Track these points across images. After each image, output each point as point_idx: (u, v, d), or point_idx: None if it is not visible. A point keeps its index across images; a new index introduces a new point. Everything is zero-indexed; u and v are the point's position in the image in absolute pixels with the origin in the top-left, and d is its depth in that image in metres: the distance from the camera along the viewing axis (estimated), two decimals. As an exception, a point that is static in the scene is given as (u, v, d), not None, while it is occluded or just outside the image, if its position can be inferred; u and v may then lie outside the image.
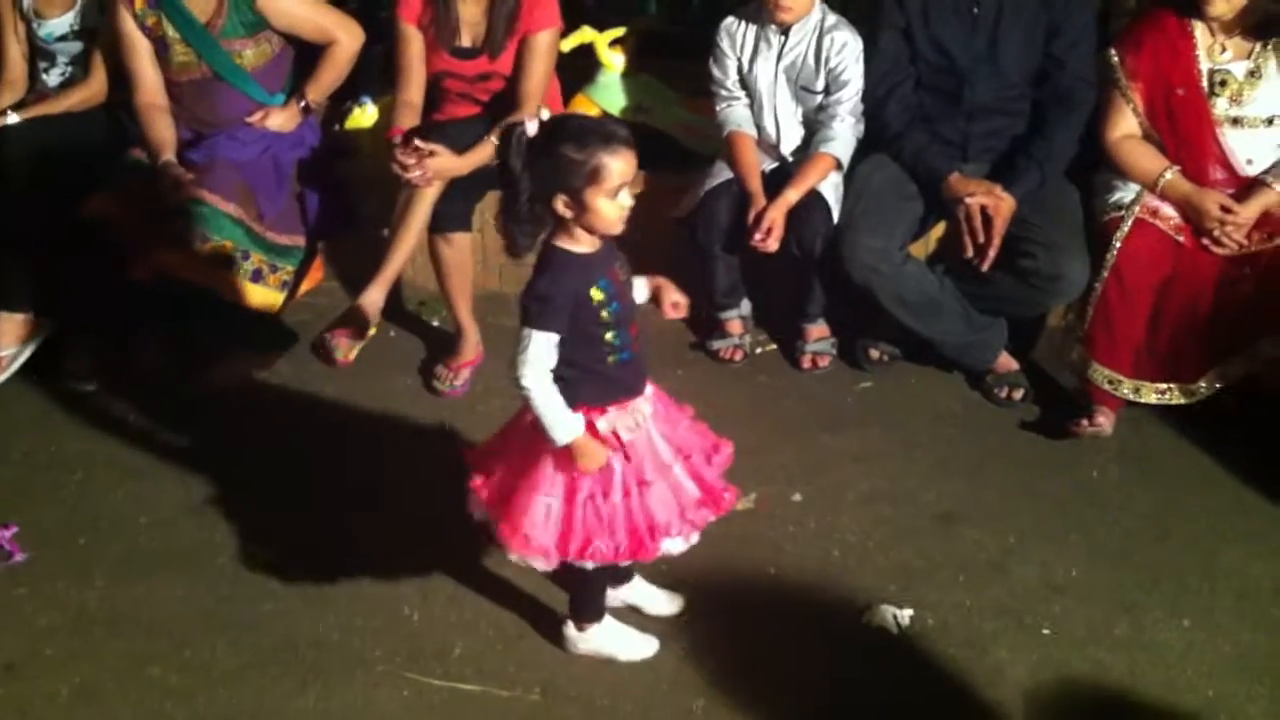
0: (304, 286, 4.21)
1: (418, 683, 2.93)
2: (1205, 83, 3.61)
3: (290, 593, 3.22)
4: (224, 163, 3.97)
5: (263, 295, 3.98)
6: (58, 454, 3.79)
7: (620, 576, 3.01)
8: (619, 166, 2.44)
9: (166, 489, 3.61)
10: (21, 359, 4.15)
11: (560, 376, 2.55)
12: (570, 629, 2.95)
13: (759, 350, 4.19)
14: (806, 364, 4.08)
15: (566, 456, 2.59)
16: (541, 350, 2.50)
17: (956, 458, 3.65)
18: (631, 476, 2.64)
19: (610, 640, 2.95)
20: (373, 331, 3.89)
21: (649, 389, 2.72)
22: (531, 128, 2.44)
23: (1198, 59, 3.62)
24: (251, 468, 3.68)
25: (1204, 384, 3.57)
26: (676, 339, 4.21)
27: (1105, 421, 3.64)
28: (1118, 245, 3.58)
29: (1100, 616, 3.06)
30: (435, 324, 4.39)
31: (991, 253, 3.66)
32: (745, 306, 4.22)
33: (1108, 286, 3.58)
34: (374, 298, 3.85)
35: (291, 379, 4.10)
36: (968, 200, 3.69)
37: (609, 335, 2.56)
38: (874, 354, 4.06)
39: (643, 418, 2.66)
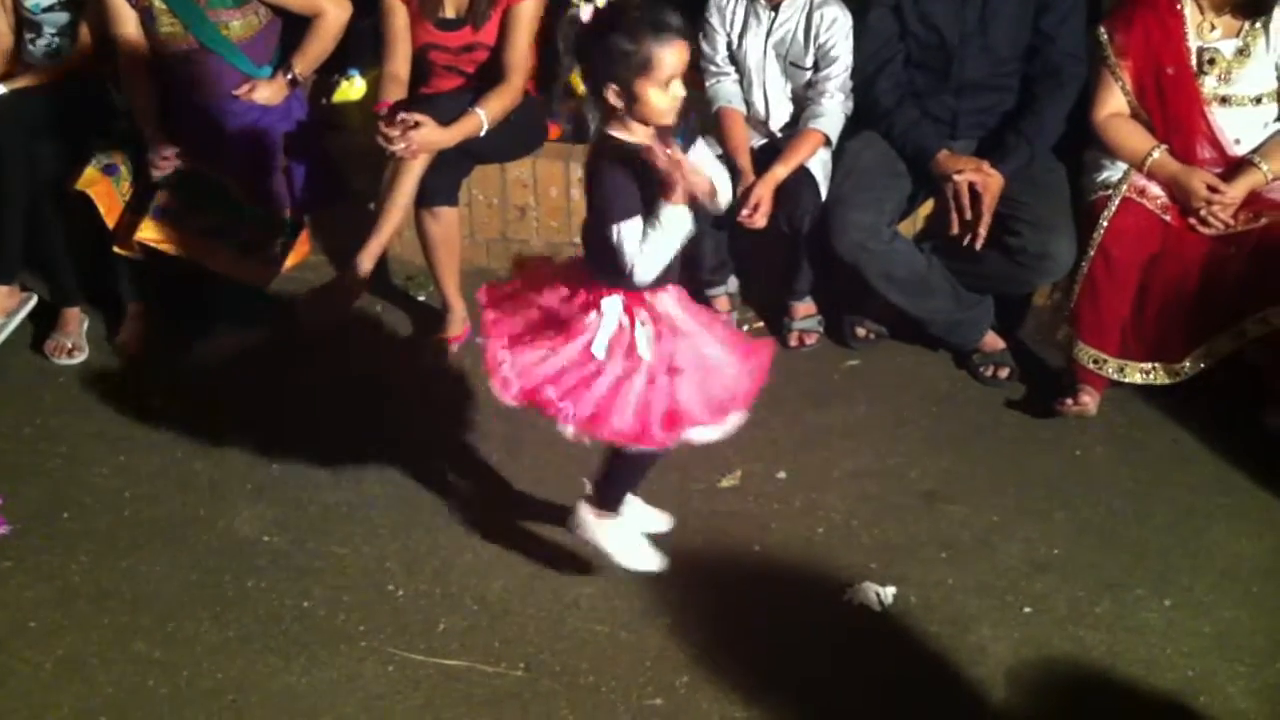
0: (291, 260, 4.18)
1: (402, 658, 2.95)
2: (1194, 61, 3.61)
3: (275, 567, 3.23)
4: (210, 135, 3.95)
5: (250, 268, 3.97)
6: (43, 427, 3.79)
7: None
8: (670, 57, 2.47)
9: (153, 463, 3.62)
10: (8, 330, 4.14)
11: (600, 255, 2.62)
12: (584, 510, 2.96)
13: (746, 328, 4.19)
14: (794, 341, 4.08)
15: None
16: (634, 237, 2.55)
17: (942, 436, 3.66)
18: (662, 363, 2.67)
19: (619, 538, 2.96)
20: (353, 306, 3.87)
21: (674, 292, 2.75)
22: (585, 13, 2.50)
23: (1187, 37, 3.61)
24: (238, 442, 3.67)
25: (1189, 364, 3.57)
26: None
27: (1090, 401, 3.65)
28: (1105, 224, 3.58)
29: (1083, 595, 3.08)
30: (422, 299, 4.38)
31: (982, 230, 3.66)
32: (733, 284, 4.21)
33: (1094, 265, 3.58)
34: (359, 271, 3.84)
35: (278, 352, 4.08)
36: (956, 178, 3.68)
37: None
38: (861, 332, 4.06)
39: (675, 307, 2.73)
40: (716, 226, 3.97)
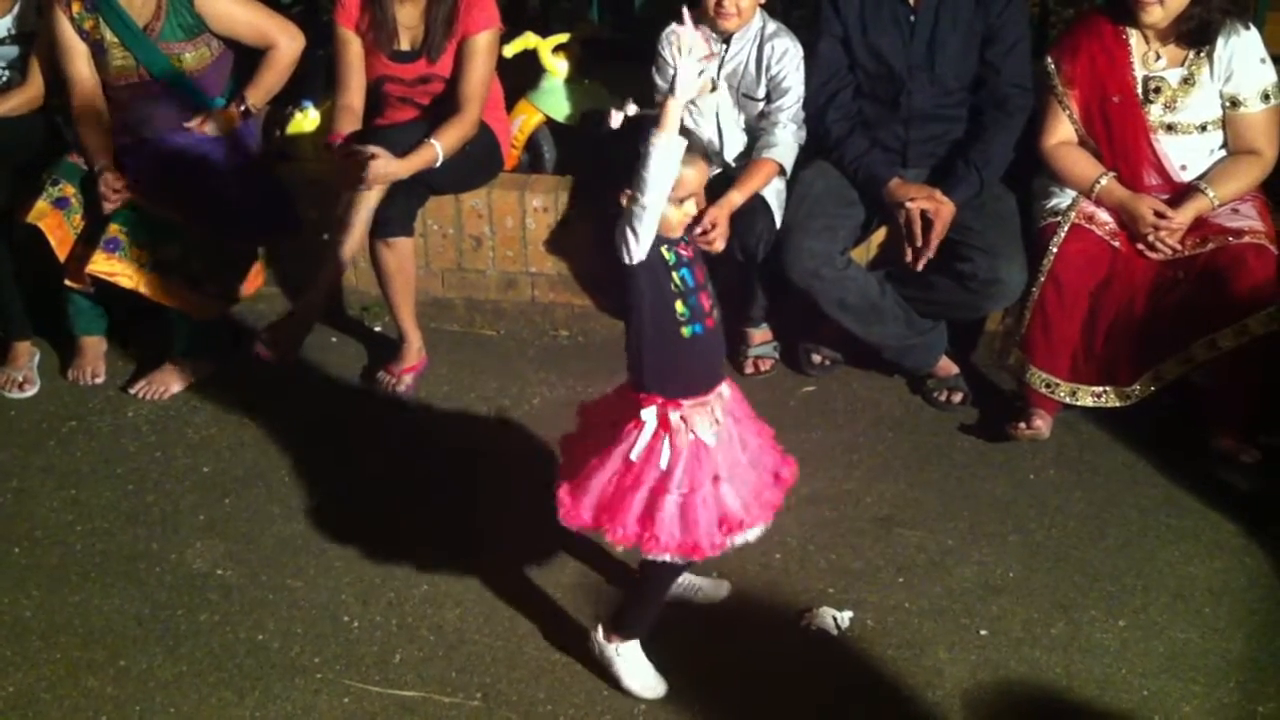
0: (244, 291, 4.18)
1: (358, 690, 2.93)
2: (1140, 90, 3.66)
3: (228, 601, 3.20)
4: (162, 167, 3.94)
5: (201, 301, 3.95)
6: (-8, 462, 3.75)
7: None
8: (690, 175, 2.51)
9: (104, 497, 3.58)
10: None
11: (639, 361, 2.63)
12: (599, 635, 2.90)
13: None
14: (749, 368, 4.09)
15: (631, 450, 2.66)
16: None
17: (897, 460, 3.68)
18: (704, 473, 2.65)
19: (629, 665, 2.88)
20: (306, 337, 3.85)
21: (726, 389, 2.74)
22: (615, 120, 2.48)
23: (1133, 66, 3.67)
24: (190, 475, 3.65)
25: (1139, 387, 3.61)
26: (618, 345, 4.22)
27: (1042, 424, 3.68)
28: (1054, 250, 3.62)
29: (1037, 617, 3.10)
30: (378, 329, 4.37)
31: (929, 254, 3.69)
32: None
33: (1045, 291, 3.62)
34: (313, 303, 3.83)
35: (232, 384, 4.06)
36: (908, 205, 3.72)
37: (678, 304, 2.59)
38: (816, 358, 4.08)
39: (722, 415, 2.69)
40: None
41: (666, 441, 2.63)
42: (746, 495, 2.71)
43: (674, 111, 2.41)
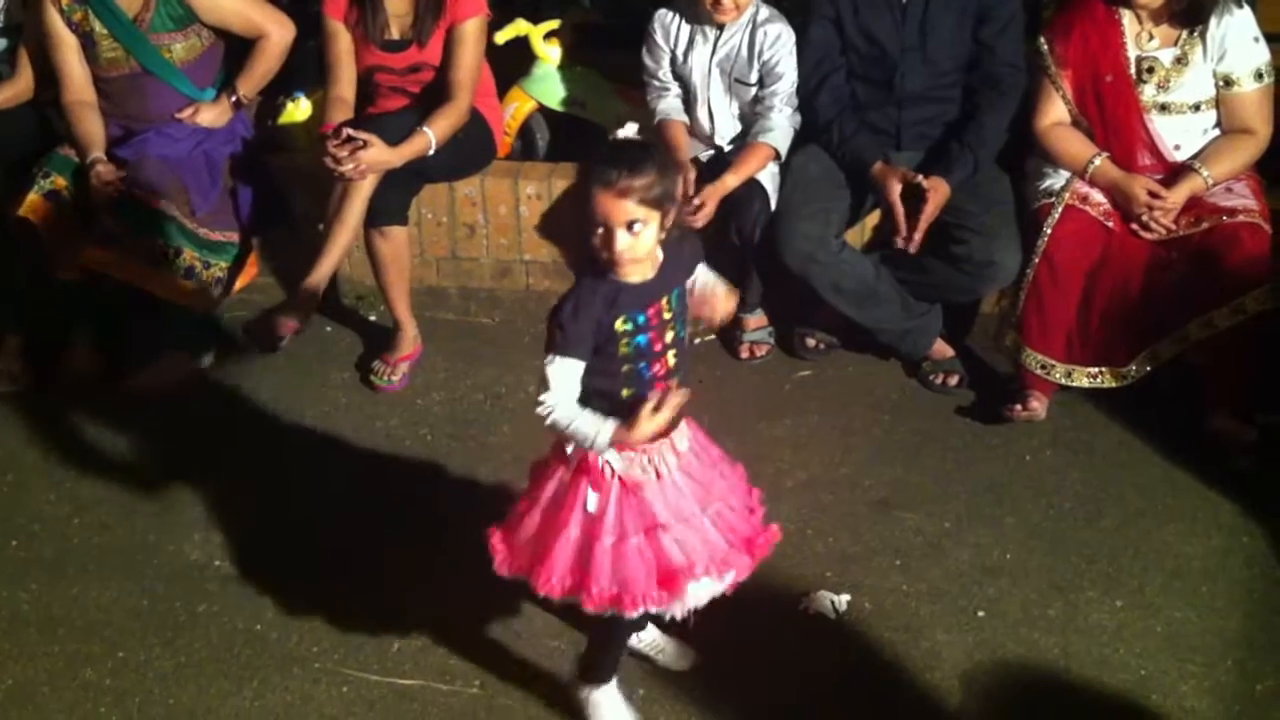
0: (238, 283, 4.18)
1: (356, 679, 2.93)
2: (1133, 70, 3.65)
3: (225, 592, 3.20)
4: (154, 159, 3.93)
5: (195, 292, 3.95)
6: (-12, 456, 3.74)
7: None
8: (599, 205, 2.27)
9: (100, 490, 3.58)
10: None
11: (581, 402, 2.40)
12: (572, 679, 2.78)
13: (697, 340, 4.19)
14: (744, 353, 4.09)
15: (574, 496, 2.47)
16: (562, 378, 2.34)
17: (893, 444, 3.68)
18: (635, 521, 2.47)
19: (600, 713, 2.73)
20: (302, 327, 3.85)
21: (685, 435, 2.55)
22: (625, 130, 2.43)
23: (1125, 46, 3.66)
24: (185, 466, 3.65)
25: (1135, 367, 3.61)
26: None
27: (1039, 406, 3.68)
28: (1048, 231, 3.61)
29: (1035, 598, 3.10)
30: (372, 319, 4.37)
31: (917, 236, 3.68)
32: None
33: (1039, 272, 3.62)
34: (309, 292, 3.82)
35: (226, 376, 4.06)
36: (889, 196, 3.71)
37: (625, 369, 2.41)
38: (811, 342, 4.08)
39: (661, 462, 2.48)
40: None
41: (590, 483, 2.45)
42: (697, 547, 2.49)
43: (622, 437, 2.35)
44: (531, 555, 2.53)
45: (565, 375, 2.35)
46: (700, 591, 2.50)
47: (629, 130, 2.43)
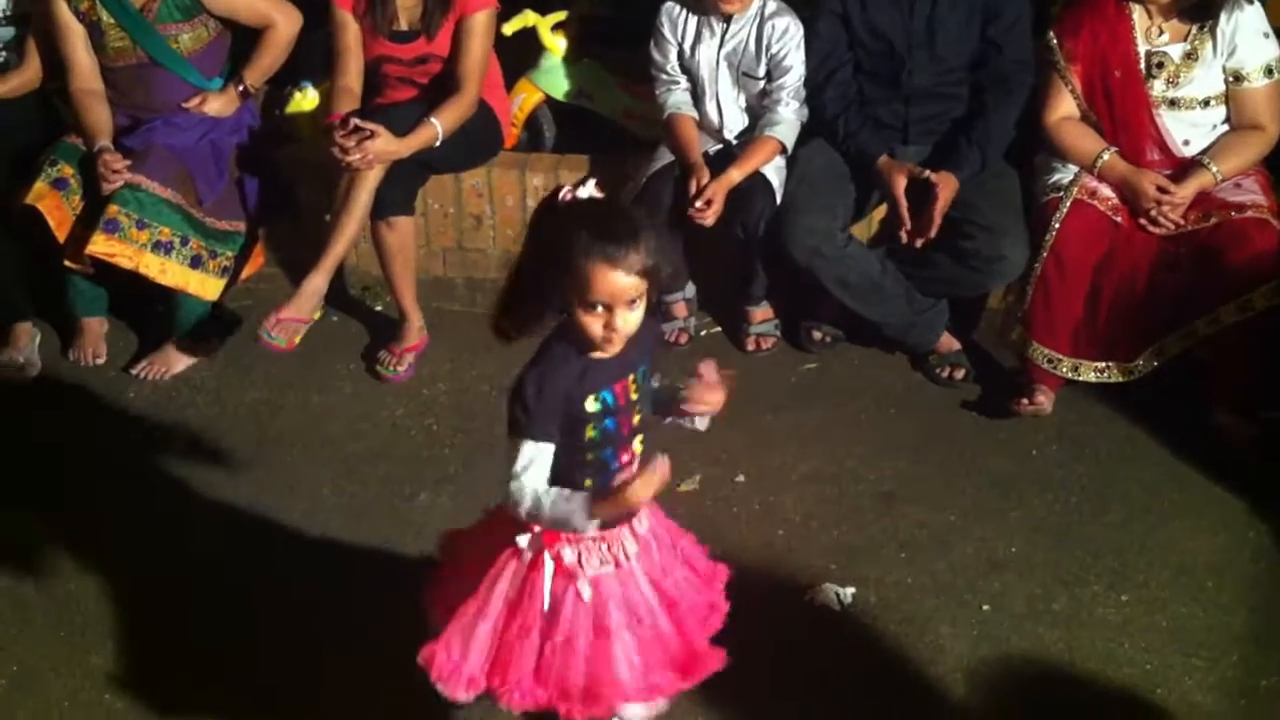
0: (245, 273, 4.18)
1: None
2: (1142, 65, 3.64)
3: (225, 577, 3.19)
4: (161, 148, 3.93)
5: (202, 282, 3.95)
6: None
7: None
8: (602, 283, 2.05)
9: (107, 476, 3.57)
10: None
11: None
12: None
13: (703, 333, 4.20)
14: (750, 346, 4.09)
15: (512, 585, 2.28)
16: (536, 464, 2.13)
17: (899, 437, 3.68)
18: (586, 620, 2.27)
19: None
20: (316, 316, 3.87)
21: (645, 522, 2.35)
22: (586, 192, 2.11)
23: (1135, 41, 3.65)
24: (193, 458, 3.65)
25: (1141, 362, 3.60)
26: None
27: (1045, 400, 3.67)
28: (1056, 226, 3.61)
29: (1040, 592, 3.10)
30: (379, 309, 4.37)
31: (932, 231, 3.68)
32: (690, 290, 4.21)
33: (1046, 267, 3.61)
34: (316, 284, 3.83)
35: (233, 365, 4.06)
36: (894, 192, 3.71)
37: (590, 456, 2.20)
38: (817, 335, 4.07)
39: (620, 549, 2.30)
40: (674, 234, 3.96)
41: (546, 578, 2.26)
42: (635, 662, 2.29)
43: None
44: (489, 664, 2.30)
45: (538, 460, 2.14)
46: (631, 713, 2.32)
47: (590, 189, 2.12)
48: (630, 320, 2.11)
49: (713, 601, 2.46)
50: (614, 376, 2.19)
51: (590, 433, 2.18)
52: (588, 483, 2.20)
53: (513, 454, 2.14)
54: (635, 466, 2.24)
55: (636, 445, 2.26)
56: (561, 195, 2.11)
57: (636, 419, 2.25)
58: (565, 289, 2.08)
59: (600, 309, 2.08)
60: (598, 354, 2.16)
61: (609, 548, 2.28)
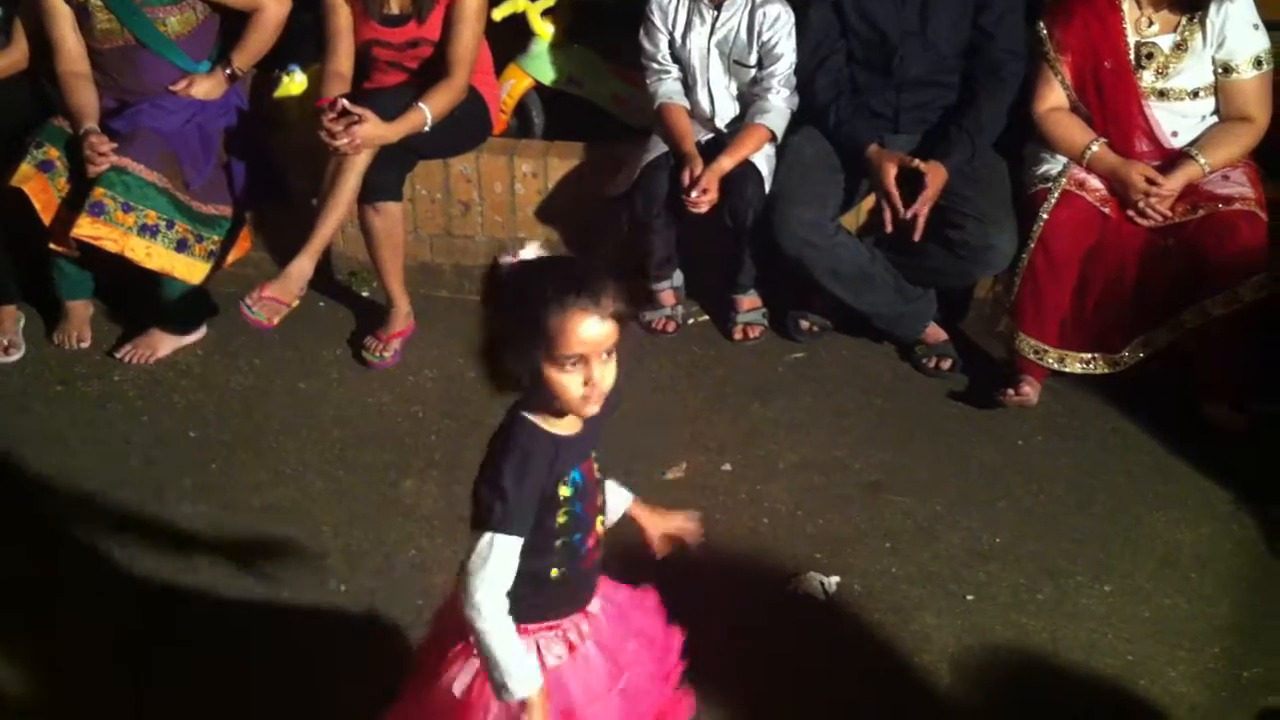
0: (231, 257, 4.17)
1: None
2: (1132, 56, 3.64)
3: (212, 570, 3.18)
4: (148, 131, 3.91)
5: (187, 266, 3.94)
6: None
7: None
8: (578, 334, 1.90)
9: (89, 462, 3.57)
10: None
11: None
12: None
13: (691, 321, 4.19)
14: (738, 335, 4.09)
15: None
16: (504, 562, 1.95)
17: (885, 427, 3.68)
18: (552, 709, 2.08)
19: None
20: (295, 304, 3.84)
21: (595, 601, 2.22)
22: (531, 253, 1.97)
23: (1125, 32, 3.65)
24: (176, 441, 3.65)
25: (1128, 353, 3.61)
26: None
27: (1031, 391, 3.68)
28: (1045, 217, 3.61)
29: (1024, 582, 3.10)
30: (365, 295, 4.36)
31: (921, 221, 3.67)
32: (678, 278, 4.21)
33: (1034, 258, 3.61)
34: (302, 267, 3.81)
35: (219, 349, 4.05)
36: (884, 182, 3.70)
37: (559, 543, 2.06)
38: (805, 325, 4.07)
39: (574, 633, 2.16)
40: (667, 223, 3.95)
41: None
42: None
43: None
44: None
45: (505, 557, 1.95)
46: None
47: (533, 249, 1.98)
48: (607, 375, 1.95)
49: (667, 673, 2.34)
50: (581, 455, 2.06)
51: (561, 518, 2.04)
52: (555, 572, 2.07)
53: (474, 546, 1.96)
54: (599, 553, 2.14)
55: (599, 526, 2.14)
56: (504, 263, 1.96)
57: (599, 499, 2.14)
58: (534, 355, 1.92)
59: (577, 365, 1.92)
60: (565, 430, 2.00)
61: (562, 633, 2.14)
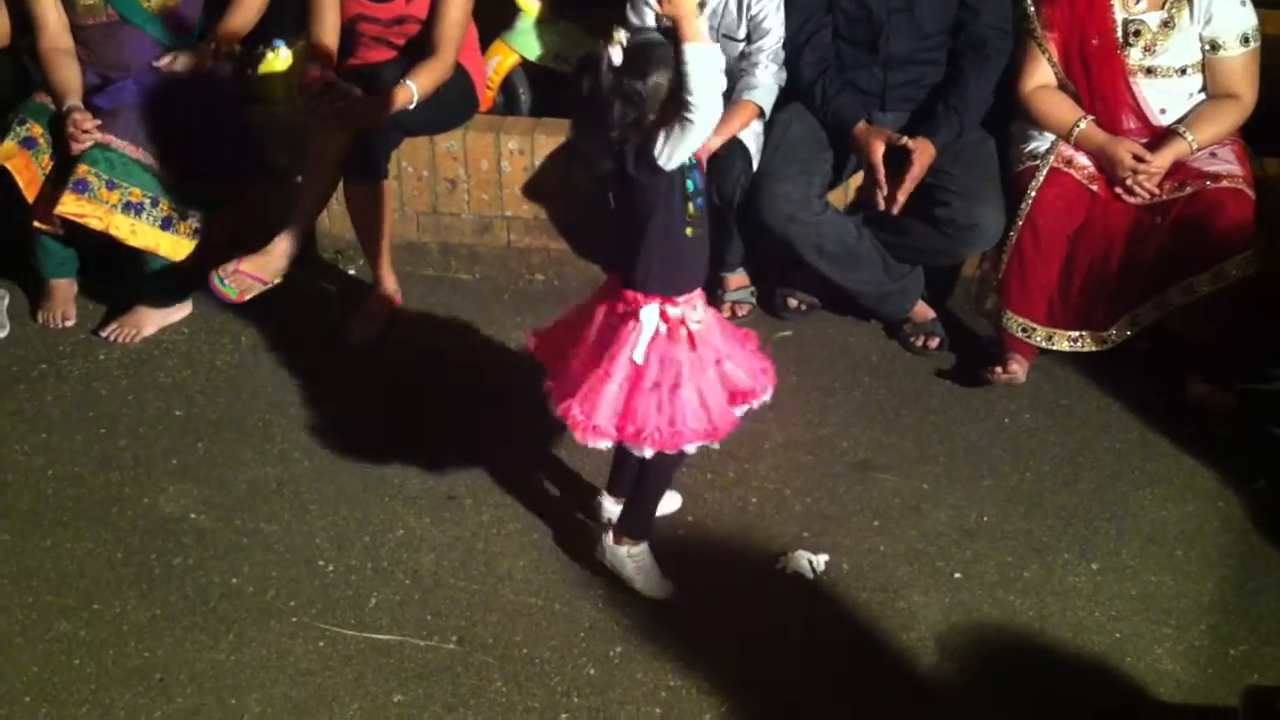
0: (219, 237, 4.13)
1: (333, 633, 2.93)
2: (1119, 33, 3.64)
3: (201, 545, 3.19)
4: (132, 108, 3.88)
5: (172, 243, 3.91)
6: (-38, 406, 3.71)
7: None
8: None
9: (75, 441, 3.56)
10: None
11: (645, 264, 2.66)
12: (609, 539, 2.97)
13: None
14: (725, 313, 4.06)
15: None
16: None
17: (873, 405, 3.68)
18: (708, 358, 2.75)
19: (644, 566, 2.97)
20: (277, 281, 3.81)
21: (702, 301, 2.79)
22: (615, 54, 2.49)
23: (1112, 9, 3.64)
24: (162, 419, 3.63)
25: (1115, 331, 3.61)
26: (593, 288, 4.21)
27: (1018, 369, 3.68)
28: (1032, 194, 3.60)
29: (1011, 560, 3.11)
30: (351, 273, 4.34)
31: (901, 196, 3.67)
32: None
33: (1022, 235, 3.61)
34: (285, 245, 3.79)
35: (204, 327, 4.03)
36: (872, 158, 3.69)
37: (690, 207, 2.65)
38: (793, 303, 4.07)
39: (702, 308, 2.77)
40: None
41: (667, 338, 2.70)
42: (745, 367, 2.85)
43: (699, 21, 2.45)
44: (619, 417, 2.70)
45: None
46: (753, 405, 2.88)
47: (622, 36, 2.51)
48: None
49: (764, 367, 2.92)
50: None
51: (690, 183, 2.63)
52: (689, 231, 2.67)
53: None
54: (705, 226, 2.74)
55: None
56: (617, 56, 2.50)
57: (704, 178, 2.73)
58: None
59: None
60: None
61: (701, 301, 2.76)
